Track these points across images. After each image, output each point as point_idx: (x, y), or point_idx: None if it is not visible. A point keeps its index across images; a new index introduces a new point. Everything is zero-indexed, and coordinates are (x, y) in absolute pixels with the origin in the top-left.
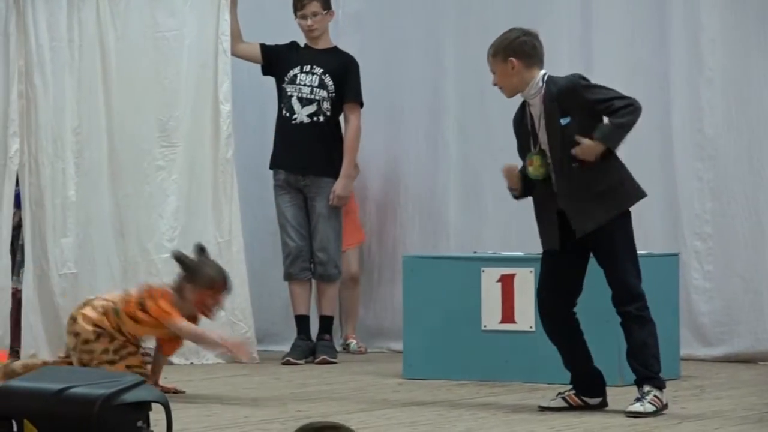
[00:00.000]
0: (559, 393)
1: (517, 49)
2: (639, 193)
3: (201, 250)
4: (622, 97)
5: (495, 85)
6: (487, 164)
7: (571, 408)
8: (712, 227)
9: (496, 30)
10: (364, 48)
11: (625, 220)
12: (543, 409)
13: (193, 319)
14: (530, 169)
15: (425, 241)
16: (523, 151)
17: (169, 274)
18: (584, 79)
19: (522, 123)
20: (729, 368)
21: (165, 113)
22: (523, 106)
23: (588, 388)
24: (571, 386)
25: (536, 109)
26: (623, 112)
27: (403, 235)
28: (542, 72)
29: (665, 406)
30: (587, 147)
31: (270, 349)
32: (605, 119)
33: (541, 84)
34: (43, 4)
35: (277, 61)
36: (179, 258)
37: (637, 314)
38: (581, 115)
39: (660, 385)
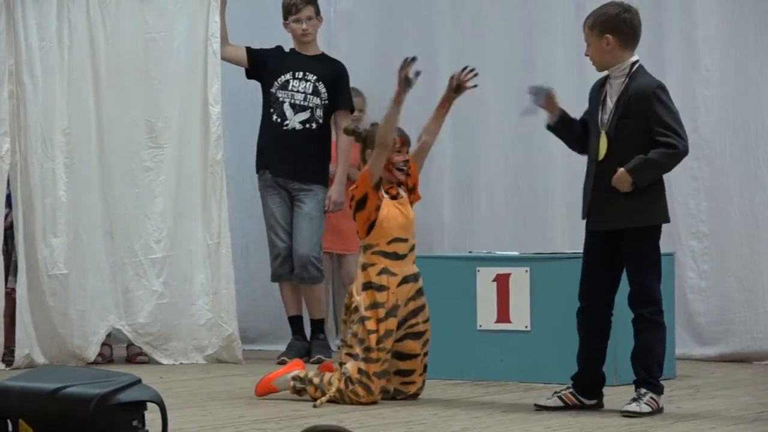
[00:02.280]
0: (555, 392)
1: (615, 27)
2: (664, 218)
3: (373, 124)
4: (676, 134)
5: (587, 55)
6: (482, 164)
7: (567, 407)
8: (707, 226)
9: (491, 28)
10: (357, 46)
11: (656, 231)
12: (539, 407)
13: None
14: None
15: (420, 241)
16: (592, 121)
17: (156, 275)
18: (663, 91)
19: (599, 92)
20: (724, 368)
21: (154, 114)
22: (607, 78)
23: (588, 388)
24: (568, 385)
25: (613, 90)
26: (663, 150)
27: None
28: (634, 58)
29: (660, 410)
30: (618, 178)
31: (265, 349)
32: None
33: (628, 70)
34: (32, 5)
35: (263, 65)
36: (351, 131)
37: (650, 318)
38: (639, 119)
39: (658, 390)
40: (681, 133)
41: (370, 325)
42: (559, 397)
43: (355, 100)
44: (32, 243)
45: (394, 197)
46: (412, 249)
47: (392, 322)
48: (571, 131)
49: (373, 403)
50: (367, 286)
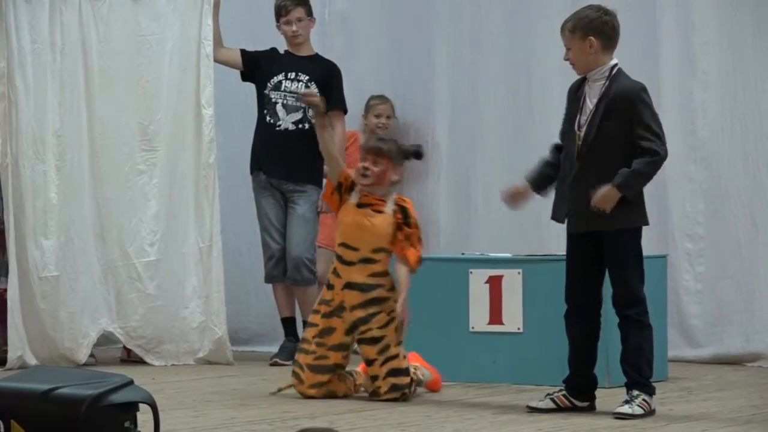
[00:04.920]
0: (548, 394)
1: (597, 29)
2: (644, 220)
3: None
4: (658, 139)
5: (567, 60)
6: (478, 166)
7: (559, 409)
8: (704, 229)
9: (488, 30)
10: (351, 48)
11: (637, 232)
12: (531, 409)
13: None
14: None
15: None
16: (569, 122)
17: (149, 278)
18: (646, 93)
19: (576, 95)
20: (717, 370)
21: (146, 117)
22: (584, 80)
23: (580, 391)
24: (560, 387)
25: (593, 92)
26: (647, 160)
27: None
28: (614, 61)
29: (653, 411)
30: (605, 196)
31: (258, 350)
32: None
33: (608, 74)
34: (25, 6)
35: (257, 67)
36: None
37: (636, 318)
38: (622, 121)
39: (650, 391)
40: (662, 137)
41: (313, 318)
42: (552, 399)
43: (382, 107)
44: (23, 245)
45: (365, 205)
46: (364, 261)
47: (336, 322)
48: (551, 181)
49: (309, 396)
50: (326, 282)
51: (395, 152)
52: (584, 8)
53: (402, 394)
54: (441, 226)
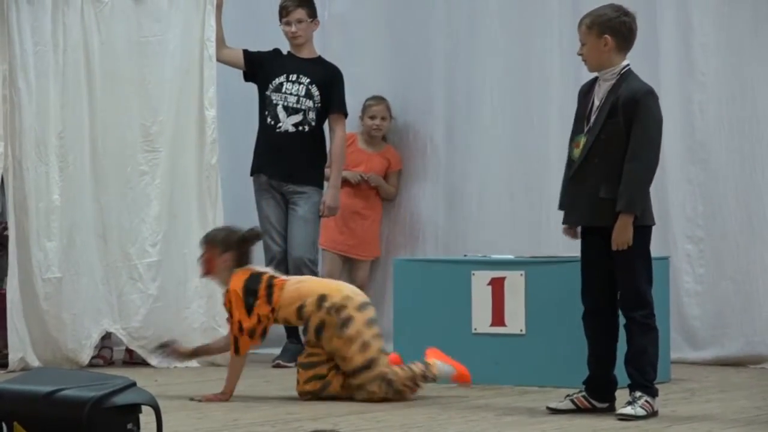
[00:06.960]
0: (568, 395)
1: (615, 29)
2: (647, 218)
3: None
4: (648, 146)
5: (580, 55)
6: (477, 167)
7: (578, 410)
8: (703, 231)
9: (487, 31)
10: (351, 50)
11: (645, 230)
12: (551, 410)
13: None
14: (575, 150)
15: (415, 245)
16: (577, 122)
17: (151, 279)
18: (652, 97)
19: (587, 96)
20: (719, 371)
21: (149, 118)
22: (595, 80)
23: (600, 391)
24: (580, 388)
25: (602, 92)
26: (638, 169)
27: (393, 239)
28: (626, 62)
29: (656, 413)
30: (618, 228)
31: (260, 352)
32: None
33: (618, 74)
34: (27, 8)
35: (260, 67)
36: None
37: (643, 321)
38: (625, 121)
39: (653, 393)
40: (654, 144)
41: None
42: (571, 400)
43: (377, 108)
44: (26, 247)
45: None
46: None
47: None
48: None
49: (306, 393)
50: None
51: (220, 239)
52: (604, 6)
53: (394, 391)
54: (439, 228)
